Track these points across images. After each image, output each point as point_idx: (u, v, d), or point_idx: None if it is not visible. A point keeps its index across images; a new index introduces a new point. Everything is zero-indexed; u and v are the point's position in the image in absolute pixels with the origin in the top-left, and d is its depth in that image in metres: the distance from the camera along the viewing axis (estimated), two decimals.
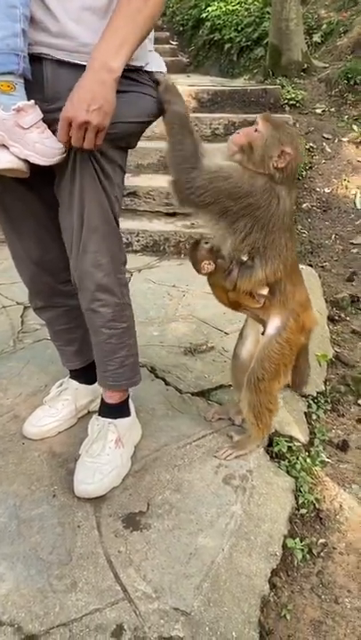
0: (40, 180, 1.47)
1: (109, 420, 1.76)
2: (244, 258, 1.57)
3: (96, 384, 1.96)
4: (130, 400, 1.85)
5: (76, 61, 1.36)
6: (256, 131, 1.52)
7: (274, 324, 1.69)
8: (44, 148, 1.38)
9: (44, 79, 1.38)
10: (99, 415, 1.80)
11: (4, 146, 1.37)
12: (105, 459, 1.68)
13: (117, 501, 1.65)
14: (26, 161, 1.39)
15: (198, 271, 1.75)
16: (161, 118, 1.56)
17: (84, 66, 1.34)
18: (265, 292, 1.65)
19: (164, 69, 1.58)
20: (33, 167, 1.41)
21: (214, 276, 1.72)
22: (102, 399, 1.80)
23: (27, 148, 1.37)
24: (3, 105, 1.33)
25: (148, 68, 1.50)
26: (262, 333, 1.75)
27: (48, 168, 1.42)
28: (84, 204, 1.50)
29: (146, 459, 1.81)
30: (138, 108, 1.48)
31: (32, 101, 1.35)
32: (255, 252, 1.55)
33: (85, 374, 1.96)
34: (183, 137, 1.48)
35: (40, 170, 1.42)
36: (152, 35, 1.53)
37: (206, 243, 1.69)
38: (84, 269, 1.56)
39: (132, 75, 1.44)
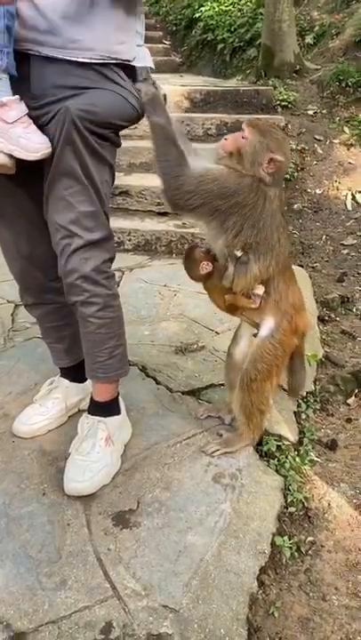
0: (29, 176, 1.48)
1: (99, 418, 1.76)
2: (238, 253, 1.58)
3: (87, 382, 1.97)
4: (120, 398, 1.85)
5: (64, 57, 1.37)
6: (243, 137, 1.54)
7: (267, 325, 1.70)
8: (27, 142, 1.40)
9: (30, 76, 1.40)
10: (88, 413, 1.80)
11: None
12: (95, 457, 1.68)
13: (107, 499, 1.65)
14: (10, 156, 1.40)
15: (193, 277, 1.77)
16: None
17: (71, 61, 1.36)
18: (261, 291, 1.66)
19: (152, 65, 1.60)
20: (21, 164, 1.42)
21: (211, 279, 1.74)
22: (92, 397, 1.80)
23: (11, 143, 1.39)
24: None
25: (135, 63, 1.51)
26: (255, 335, 1.76)
27: (36, 164, 1.43)
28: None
29: (136, 457, 1.82)
30: (115, 108, 1.49)
31: (16, 96, 1.37)
32: (248, 247, 1.58)
33: (76, 372, 1.96)
34: (167, 147, 1.52)
35: (29, 166, 1.42)
36: (142, 29, 1.54)
37: (202, 247, 1.72)
38: (71, 264, 1.57)
39: (113, 73, 1.45)
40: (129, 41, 1.47)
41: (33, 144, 1.40)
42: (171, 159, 1.52)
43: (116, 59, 1.44)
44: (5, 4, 1.30)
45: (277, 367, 1.73)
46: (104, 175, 1.56)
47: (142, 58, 1.55)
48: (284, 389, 2.25)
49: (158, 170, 1.55)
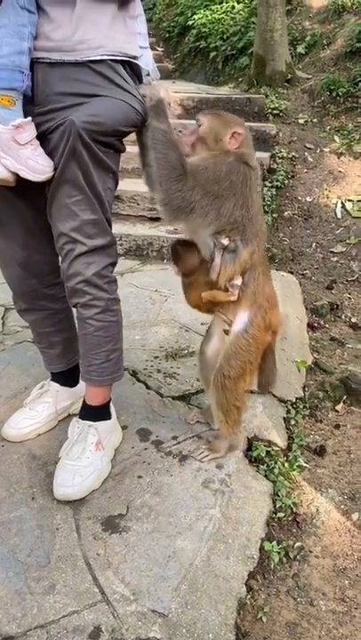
0: (30, 186, 1.48)
1: (90, 422, 1.76)
2: (225, 241, 1.58)
3: (78, 386, 1.97)
4: (110, 403, 1.85)
5: (75, 59, 1.39)
6: (199, 126, 1.58)
7: (241, 319, 1.69)
8: (35, 164, 1.43)
9: (35, 83, 1.40)
10: (79, 418, 1.80)
11: None
12: (85, 462, 1.68)
13: (97, 504, 1.65)
14: (14, 173, 1.42)
15: (179, 272, 1.77)
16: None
17: (78, 64, 1.38)
18: (239, 281, 1.65)
19: (156, 72, 1.62)
20: (20, 176, 1.44)
21: (195, 274, 1.73)
22: (84, 401, 1.80)
23: (19, 163, 1.41)
24: (0, 118, 1.36)
25: (140, 62, 1.54)
26: (226, 332, 1.76)
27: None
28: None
29: (126, 462, 1.82)
30: (120, 115, 1.50)
31: (29, 118, 1.39)
32: (236, 232, 1.58)
33: (67, 377, 1.97)
34: (168, 152, 1.52)
35: (23, 179, 1.44)
36: (144, 30, 1.56)
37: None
38: (73, 268, 1.58)
39: (119, 77, 1.46)
40: (133, 40, 1.51)
41: (40, 166, 1.43)
42: (171, 160, 1.51)
43: (125, 54, 1.47)
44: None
45: (251, 364, 1.72)
46: (107, 183, 1.57)
47: (146, 59, 1.58)
48: (274, 395, 2.27)
49: (159, 175, 1.53)
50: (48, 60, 1.40)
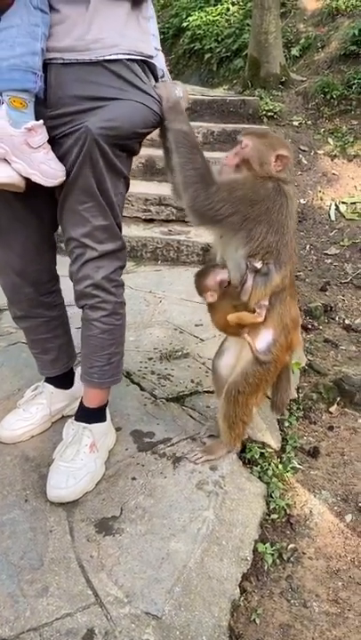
0: (36, 193, 1.47)
1: (85, 424, 1.76)
2: (258, 265, 1.55)
3: (72, 389, 1.96)
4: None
5: (90, 58, 1.37)
6: (243, 147, 1.55)
7: (265, 338, 1.66)
8: (48, 169, 1.41)
9: (47, 85, 1.38)
10: (75, 419, 1.80)
11: (5, 160, 1.38)
12: (79, 463, 1.68)
13: (90, 506, 1.65)
14: (25, 178, 1.40)
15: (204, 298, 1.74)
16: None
17: (93, 64, 1.36)
18: (266, 302, 1.61)
19: (167, 74, 1.61)
20: (29, 181, 1.42)
21: (222, 301, 1.69)
22: (81, 403, 1.80)
23: (31, 167, 1.39)
24: (12, 121, 1.34)
25: (155, 62, 1.53)
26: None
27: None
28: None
29: (120, 464, 1.82)
30: (137, 118, 1.48)
31: (41, 121, 1.36)
32: (270, 256, 1.55)
33: (62, 380, 1.96)
34: (193, 155, 1.48)
35: (36, 185, 1.42)
36: (157, 32, 1.55)
37: (215, 269, 1.66)
38: (83, 271, 1.59)
39: (135, 77, 1.44)
40: (147, 40, 1.49)
41: (53, 170, 1.41)
42: (199, 167, 1.47)
43: (141, 53, 1.45)
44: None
45: (266, 382, 1.72)
46: (119, 188, 1.56)
47: (160, 60, 1.57)
48: (268, 397, 2.27)
49: (184, 179, 1.48)
50: (61, 61, 1.37)
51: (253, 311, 1.62)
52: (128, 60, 1.42)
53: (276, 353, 1.67)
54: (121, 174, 1.55)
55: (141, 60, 1.47)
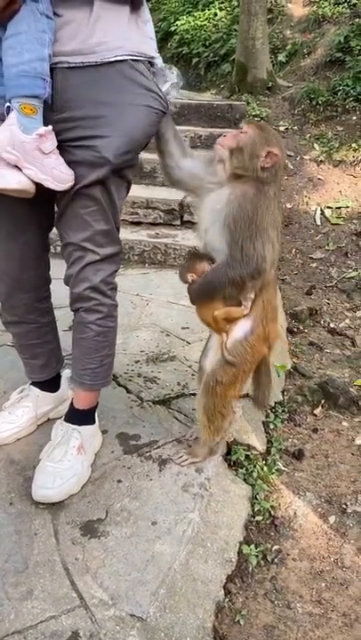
0: (36, 197, 1.47)
1: (74, 426, 1.76)
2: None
3: (59, 391, 1.96)
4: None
5: (95, 61, 1.39)
6: (242, 133, 1.58)
7: (243, 327, 1.68)
8: (60, 174, 1.41)
9: (54, 89, 1.39)
10: (64, 420, 1.80)
11: (16, 166, 1.38)
12: (66, 464, 1.68)
13: (75, 509, 1.65)
14: (36, 183, 1.41)
15: (185, 281, 1.75)
16: None
17: (97, 65, 1.38)
18: (253, 295, 1.64)
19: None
20: (37, 187, 1.42)
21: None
22: (71, 404, 1.80)
23: (43, 173, 1.39)
24: (23, 127, 1.34)
25: (156, 62, 1.55)
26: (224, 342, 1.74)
27: (45, 187, 1.43)
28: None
29: (105, 466, 1.82)
30: (146, 124, 1.51)
31: (50, 127, 1.37)
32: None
33: (49, 383, 1.96)
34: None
35: (39, 190, 1.43)
36: (153, 34, 1.56)
37: (207, 262, 1.68)
38: (81, 275, 1.59)
39: (140, 75, 1.47)
40: (148, 42, 1.52)
41: (64, 175, 1.42)
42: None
43: (144, 55, 1.48)
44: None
45: (244, 373, 1.72)
46: (122, 193, 1.59)
47: (159, 62, 1.59)
48: (247, 396, 2.28)
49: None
50: (67, 65, 1.38)
51: (240, 304, 1.65)
52: (132, 60, 1.45)
53: (252, 342, 1.68)
54: (125, 179, 1.58)
55: (144, 60, 1.50)
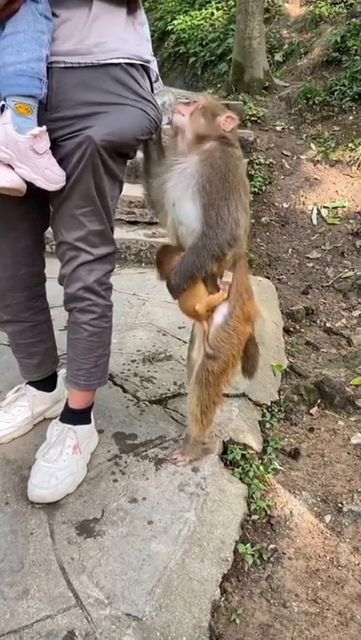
0: (28, 196, 1.47)
1: (70, 425, 1.76)
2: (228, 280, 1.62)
3: (55, 391, 1.96)
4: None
5: (92, 62, 1.39)
6: (196, 101, 1.60)
7: (220, 312, 1.67)
8: (52, 174, 1.41)
9: (49, 88, 1.38)
10: (60, 420, 1.79)
11: (7, 165, 1.38)
12: (62, 464, 1.67)
13: (72, 508, 1.65)
14: (28, 183, 1.41)
15: (162, 277, 1.74)
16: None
17: (93, 66, 1.38)
18: (230, 279, 1.64)
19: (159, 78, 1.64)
20: (28, 186, 1.42)
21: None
22: (66, 404, 1.80)
23: (36, 173, 1.39)
24: (17, 127, 1.34)
25: (151, 66, 1.55)
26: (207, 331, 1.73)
27: (37, 187, 1.43)
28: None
29: (101, 466, 1.82)
30: (137, 126, 1.50)
31: (44, 127, 1.37)
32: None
33: (45, 383, 1.95)
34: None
35: (30, 188, 1.43)
36: (149, 36, 1.56)
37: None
38: (75, 275, 1.59)
39: (134, 82, 1.47)
40: (144, 44, 1.52)
41: (56, 176, 1.42)
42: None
43: (140, 58, 1.48)
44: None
45: (233, 357, 1.71)
46: (115, 192, 1.58)
47: (154, 64, 1.59)
48: (250, 399, 2.29)
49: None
50: (63, 65, 1.38)
51: (218, 289, 1.64)
52: (127, 64, 1.45)
53: (234, 325, 1.67)
54: (117, 178, 1.57)
55: (139, 65, 1.50)
